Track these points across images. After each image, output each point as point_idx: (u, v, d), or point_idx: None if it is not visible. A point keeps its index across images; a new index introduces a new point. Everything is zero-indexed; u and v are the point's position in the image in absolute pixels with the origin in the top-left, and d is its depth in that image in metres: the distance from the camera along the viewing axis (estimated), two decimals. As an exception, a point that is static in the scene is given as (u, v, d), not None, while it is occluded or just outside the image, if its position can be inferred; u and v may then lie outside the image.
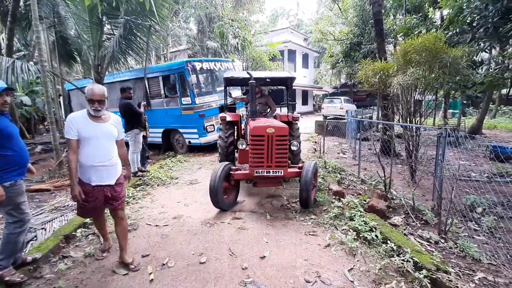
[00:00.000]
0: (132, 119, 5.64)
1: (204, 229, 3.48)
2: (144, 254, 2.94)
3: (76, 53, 8.95)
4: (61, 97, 11.96)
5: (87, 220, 3.62)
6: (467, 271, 2.59)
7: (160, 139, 8.42)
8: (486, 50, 6.84)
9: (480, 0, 5.39)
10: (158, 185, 5.28)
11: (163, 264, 2.74)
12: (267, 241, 3.15)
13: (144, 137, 6.83)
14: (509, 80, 7.58)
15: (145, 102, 6.28)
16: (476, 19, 5.80)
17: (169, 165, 6.73)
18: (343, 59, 14.98)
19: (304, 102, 26.54)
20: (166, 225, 3.63)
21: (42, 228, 3.66)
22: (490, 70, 6.73)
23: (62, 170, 6.20)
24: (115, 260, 2.83)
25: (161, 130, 8.29)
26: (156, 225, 3.62)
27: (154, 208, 4.21)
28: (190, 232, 3.40)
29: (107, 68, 7.26)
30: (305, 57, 26.91)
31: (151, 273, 2.60)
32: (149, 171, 5.95)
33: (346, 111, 14.52)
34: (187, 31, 19.13)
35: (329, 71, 30.37)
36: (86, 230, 3.46)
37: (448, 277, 2.35)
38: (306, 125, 13.58)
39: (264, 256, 2.84)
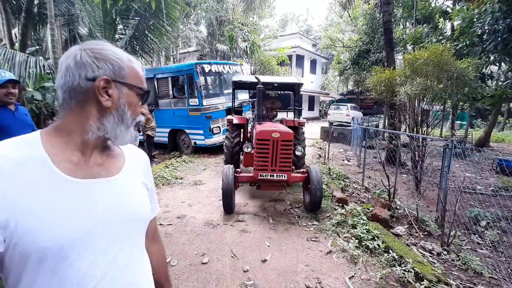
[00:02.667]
0: None
1: (207, 230, 3.52)
2: (147, 251, 2.98)
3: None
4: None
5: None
6: (468, 284, 2.58)
7: (167, 139, 8.52)
8: (496, 63, 6.82)
9: (491, 14, 5.40)
10: (163, 185, 5.35)
11: (166, 263, 2.78)
12: (269, 245, 3.18)
13: (150, 137, 6.95)
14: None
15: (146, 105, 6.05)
16: (486, 32, 5.80)
17: (174, 165, 6.80)
18: (351, 66, 15.00)
19: (311, 107, 26.54)
20: (170, 224, 3.69)
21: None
22: (500, 83, 6.70)
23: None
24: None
25: (168, 130, 8.40)
26: (160, 224, 3.67)
27: (159, 207, 4.26)
28: (193, 232, 3.45)
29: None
30: (313, 62, 26.97)
31: (154, 270, 2.65)
32: None
33: (352, 118, 14.49)
34: (197, 33, 19.36)
35: (337, 77, 30.35)
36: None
37: (449, 290, 2.35)
38: (312, 131, 13.58)
39: (266, 260, 2.86)
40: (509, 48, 5.32)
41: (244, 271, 2.68)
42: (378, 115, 17.48)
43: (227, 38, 15.21)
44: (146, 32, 7.64)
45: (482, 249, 3.40)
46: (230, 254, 2.96)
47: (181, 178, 5.77)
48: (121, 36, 7.52)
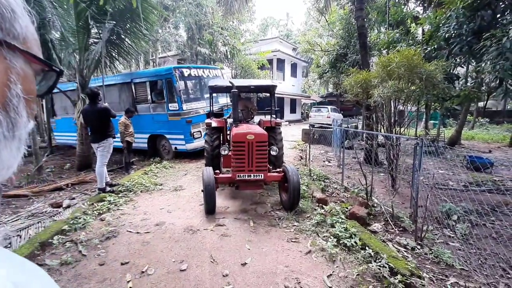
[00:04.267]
0: (109, 125, 5.19)
1: (187, 236, 3.46)
2: (123, 261, 2.89)
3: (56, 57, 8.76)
4: (44, 100, 11.69)
5: (65, 226, 3.54)
6: (440, 277, 2.68)
7: (146, 145, 8.33)
8: (462, 65, 7.22)
9: (456, 19, 5.72)
10: (141, 192, 5.21)
11: (143, 272, 2.70)
12: (249, 248, 3.16)
13: (129, 143, 6.77)
14: (485, 93, 7.96)
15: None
16: (452, 35, 6.14)
17: (153, 171, 6.65)
18: (330, 70, 15.38)
19: (292, 110, 26.89)
20: (148, 232, 3.59)
21: (18, 235, 3.54)
22: (467, 84, 7.09)
23: (41, 176, 6.03)
24: (92, 267, 2.77)
25: (147, 135, 8.21)
26: (137, 232, 3.57)
27: (136, 215, 4.15)
28: (172, 239, 3.37)
29: (93, 72, 7.18)
30: (294, 66, 27.42)
31: (129, 281, 2.56)
32: (122, 184, 5.42)
33: (333, 119, 14.80)
34: (176, 37, 19.16)
35: (317, 80, 30.97)
36: (63, 237, 3.37)
37: (422, 282, 2.43)
38: (294, 133, 13.75)
39: (246, 263, 2.84)
40: (473, 50, 5.65)
41: (223, 275, 2.65)
42: (358, 116, 17.96)
43: (207, 42, 15.17)
44: (123, 36, 7.48)
45: (453, 242, 3.55)
46: (210, 259, 2.92)
47: (161, 185, 5.64)
48: (95, 40, 7.31)
